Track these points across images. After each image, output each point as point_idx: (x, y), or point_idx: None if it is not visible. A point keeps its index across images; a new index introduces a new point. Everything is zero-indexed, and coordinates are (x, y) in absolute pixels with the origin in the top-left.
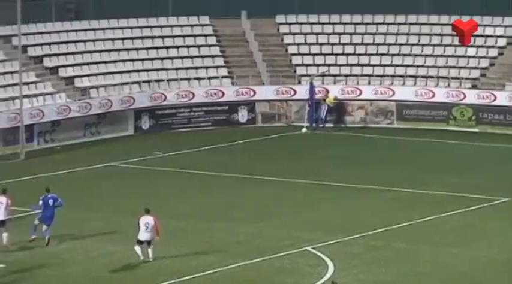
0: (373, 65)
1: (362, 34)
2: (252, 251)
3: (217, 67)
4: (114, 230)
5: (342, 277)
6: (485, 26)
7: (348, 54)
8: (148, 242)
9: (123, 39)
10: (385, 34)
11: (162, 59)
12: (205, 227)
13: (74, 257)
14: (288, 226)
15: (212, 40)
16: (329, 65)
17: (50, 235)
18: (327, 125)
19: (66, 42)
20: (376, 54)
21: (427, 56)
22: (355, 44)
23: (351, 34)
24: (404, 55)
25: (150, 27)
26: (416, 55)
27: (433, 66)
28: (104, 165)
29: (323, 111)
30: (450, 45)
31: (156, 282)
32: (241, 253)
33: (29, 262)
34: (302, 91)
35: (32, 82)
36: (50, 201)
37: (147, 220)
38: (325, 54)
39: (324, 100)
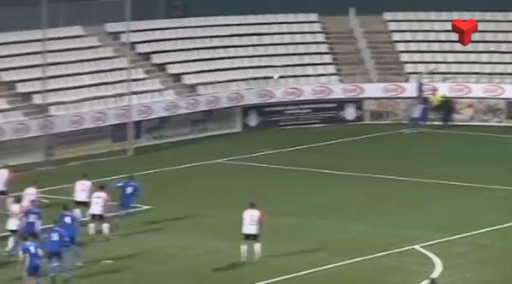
0: (483, 63)
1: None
2: (357, 249)
3: (325, 64)
4: (221, 227)
5: (448, 276)
6: None
7: (457, 52)
8: (254, 237)
9: (230, 36)
10: (495, 32)
11: (270, 56)
12: (311, 225)
13: (179, 254)
14: (393, 225)
15: (320, 37)
16: (438, 63)
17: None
18: (435, 123)
19: (175, 39)
20: (486, 52)
21: None
22: None
23: None
24: None
25: (258, 24)
26: None
27: None
28: (211, 162)
29: (424, 110)
30: None
31: (260, 280)
32: (346, 251)
33: (134, 258)
34: (410, 89)
35: (140, 79)
36: (129, 189)
37: (251, 213)
38: (433, 52)
39: (429, 98)
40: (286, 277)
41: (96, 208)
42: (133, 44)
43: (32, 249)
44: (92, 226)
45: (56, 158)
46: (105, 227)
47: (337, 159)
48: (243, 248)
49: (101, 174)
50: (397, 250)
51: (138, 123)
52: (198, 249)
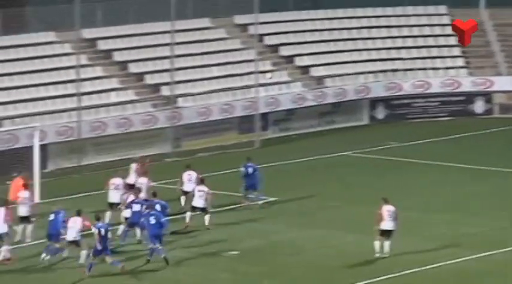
0: None
1: None
2: (483, 244)
3: (454, 57)
4: (348, 220)
5: None
6: None
7: None
8: (389, 233)
9: (359, 28)
10: None
11: (398, 48)
12: (435, 219)
13: (308, 246)
14: None
15: (449, 30)
16: None
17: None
18: None
19: (303, 31)
20: None
21: None
22: None
23: None
24: None
25: (387, 16)
26: None
27: None
28: (338, 155)
29: None
30: None
31: (388, 273)
32: (473, 246)
33: (263, 249)
34: None
35: (268, 71)
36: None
37: (388, 208)
38: None
39: None
40: (413, 270)
41: (199, 201)
42: (261, 36)
43: (103, 231)
44: (188, 215)
45: (183, 149)
46: (207, 218)
47: (465, 152)
48: (377, 244)
49: (228, 165)
50: None
51: (265, 115)
52: (327, 242)
